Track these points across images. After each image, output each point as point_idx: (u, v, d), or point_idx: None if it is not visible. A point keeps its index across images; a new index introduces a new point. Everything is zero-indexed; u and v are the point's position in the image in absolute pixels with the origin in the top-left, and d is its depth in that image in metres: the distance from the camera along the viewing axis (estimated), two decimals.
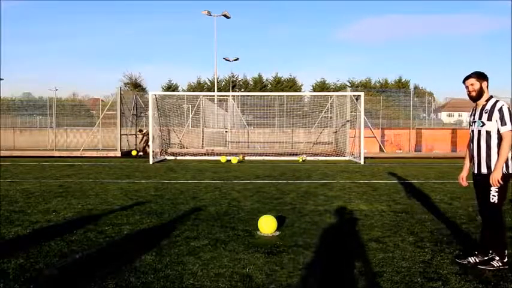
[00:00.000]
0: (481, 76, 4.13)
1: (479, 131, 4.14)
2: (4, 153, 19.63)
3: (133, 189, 9.04)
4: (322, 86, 58.29)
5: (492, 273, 3.90)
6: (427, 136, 22.58)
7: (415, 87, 52.23)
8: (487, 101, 4.11)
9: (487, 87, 4.14)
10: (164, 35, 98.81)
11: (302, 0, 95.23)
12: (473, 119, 4.24)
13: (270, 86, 61.24)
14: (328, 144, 22.67)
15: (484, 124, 4.08)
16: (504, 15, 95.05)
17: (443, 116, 65.26)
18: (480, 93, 4.12)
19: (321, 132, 23.10)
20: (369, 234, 5.29)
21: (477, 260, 4.16)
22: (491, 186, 4.02)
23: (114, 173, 12.23)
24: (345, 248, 4.76)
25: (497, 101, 4.05)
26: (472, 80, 4.13)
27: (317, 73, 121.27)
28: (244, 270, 3.98)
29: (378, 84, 56.19)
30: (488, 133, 4.06)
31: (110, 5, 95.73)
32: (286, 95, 25.87)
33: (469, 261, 4.18)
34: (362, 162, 16.25)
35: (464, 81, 4.21)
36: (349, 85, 54.61)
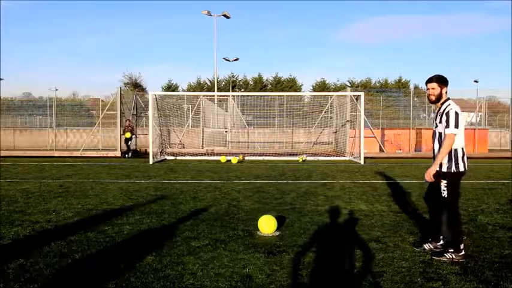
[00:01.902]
0: (442, 82, 4.42)
1: (434, 132, 4.53)
2: (4, 153, 19.61)
3: (133, 189, 9.04)
4: (322, 86, 58.29)
5: (492, 273, 3.90)
6: (427, 136, 22.51)
7: (415, 87, 52.22)
8: (442, 104, 4.43)
9: (446, 92, 4.46)
10: (164, 35, 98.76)
11: (302, 1, 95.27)
12: (434, 120, 4.62)
13: (270, 86, 61.25)
14: (328, 144, 22.67)
15: (437, 126, 4.46)
16: (504, 15, 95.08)
17: None
18: (439, 97, 4.44)
19: (321, 132, 23.11)
20: (369, 234, 5.29)
21: (431, 247, 4.54)
22: (441, 182, 4.35)
23: (114, 173, 12.23)
24: (345, 248, 4.76)
25: (448, 105, 4.36)
26: (434, 85, 4.42)
27: (317, 73, 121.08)
28: (244, 270, 3.98)
29: (378, 84, 56.19)
30: (440, 134, 4.42)
31: (110, 5, 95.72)
32: (286, 95, 25.84)
33: (424, 248, 4.54)
34: (362, 162, 16.25)
35: (426, 83, 4.51)
36: (349, 85, 54.62)
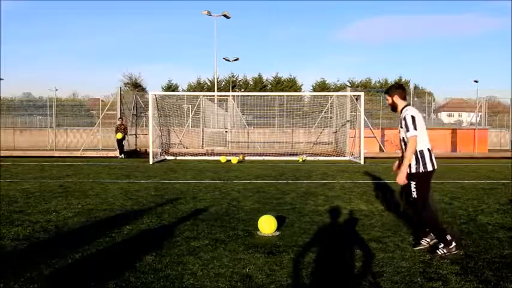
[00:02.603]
0: (389, 92, 4.80)
1: (399, 137, 4.76)
2: (4, 153, 19.61)
3: (133, 189, 9.04)
4: (322, 86, 58.33)
5: (492, 273, 3.90)
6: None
7: (415, 87, 52.21)
8: (401, 110, 4.70)
9: (403, 98, 4.74)
10: (164, 35, 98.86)
11: (302, 1, 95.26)
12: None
13: (270, 86, 61.25)
14: (328, 144, 22.66)
15: (400, 131, 4.70)
16: (504, 15, 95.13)
17: (443, 116, 65.23)
18: (393, 105, 4.80)
19: (321, 132, 23.10)
20: (369, 234, 5.29)
21: (428, 241, 4.68)
22: (410, 183, 4.54)
23: (114, 173, 12.23)
24: (345, 248, 4.76)
25: (405, 110, 4.61)
26: (386, 96, 4.85)
27: (317, 73, 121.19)
28: (244, 270, 3.98)
29: (378, 84, 56.24)
30: (403, 139, 4.67)
31: (110, 5, 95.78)
32: (286, 95, 25.84)
33: (424, 245, 4.64)
34: (362, 162, 16.25)
35: None
36: (349, 85, 54.63)
